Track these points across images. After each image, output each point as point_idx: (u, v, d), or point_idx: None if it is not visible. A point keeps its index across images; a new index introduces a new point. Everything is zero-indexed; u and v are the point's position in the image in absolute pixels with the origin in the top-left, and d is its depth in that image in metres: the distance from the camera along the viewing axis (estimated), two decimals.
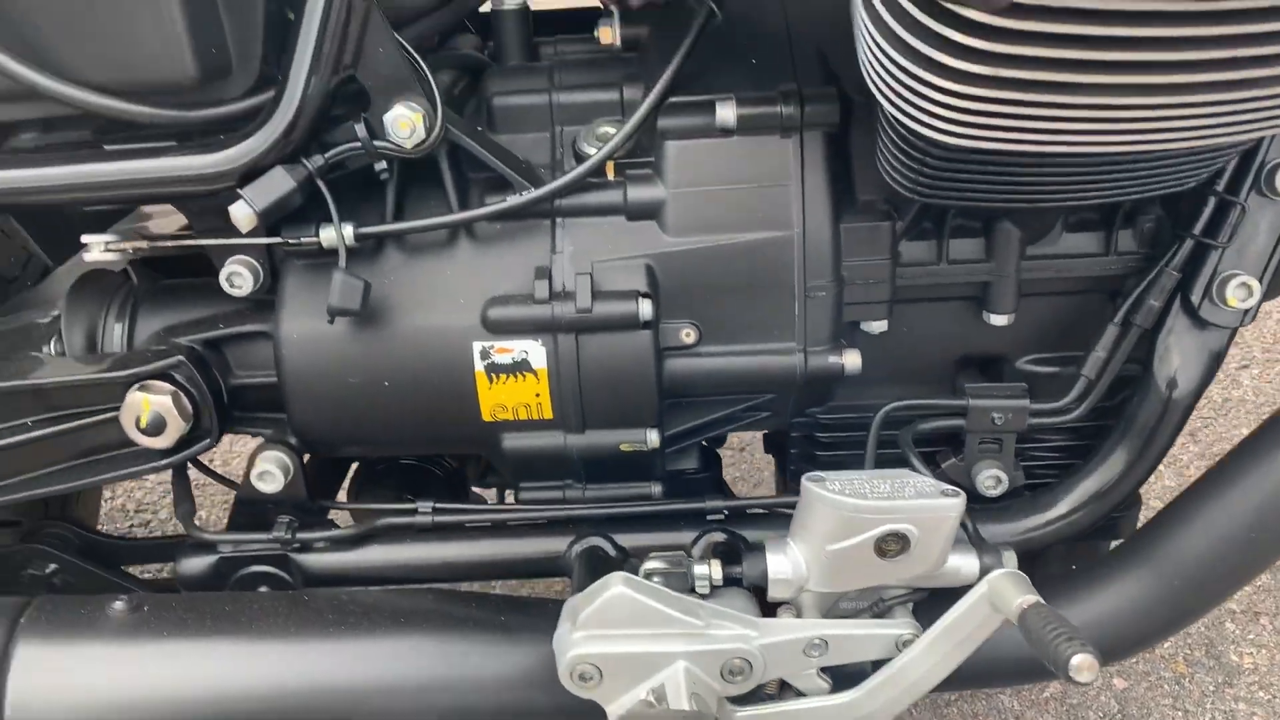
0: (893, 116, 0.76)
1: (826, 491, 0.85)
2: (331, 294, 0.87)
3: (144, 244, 0.93)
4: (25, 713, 0.88)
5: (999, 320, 0.97)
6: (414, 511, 1.01)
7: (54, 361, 0.94)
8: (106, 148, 0.90)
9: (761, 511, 1.04)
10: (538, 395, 0.93)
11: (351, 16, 0.84)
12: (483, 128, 0.97)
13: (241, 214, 0.86)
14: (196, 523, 1.01)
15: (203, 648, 0.92)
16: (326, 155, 0.89)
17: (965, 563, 0.89)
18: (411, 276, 0.93)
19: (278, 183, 0.86)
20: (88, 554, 1.06)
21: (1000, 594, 0.83)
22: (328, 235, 0.90)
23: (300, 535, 0.99)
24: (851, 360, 0.95)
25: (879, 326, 0.98)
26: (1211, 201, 0.90)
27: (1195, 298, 0.92)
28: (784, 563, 0.88)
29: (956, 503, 0.84)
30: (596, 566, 0.94)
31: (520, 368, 0.92)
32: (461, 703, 0.91)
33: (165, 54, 0.83)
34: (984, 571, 0.88)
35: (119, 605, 0.92)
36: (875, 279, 0.94)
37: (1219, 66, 0.61)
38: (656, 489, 1.02)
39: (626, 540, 1.00)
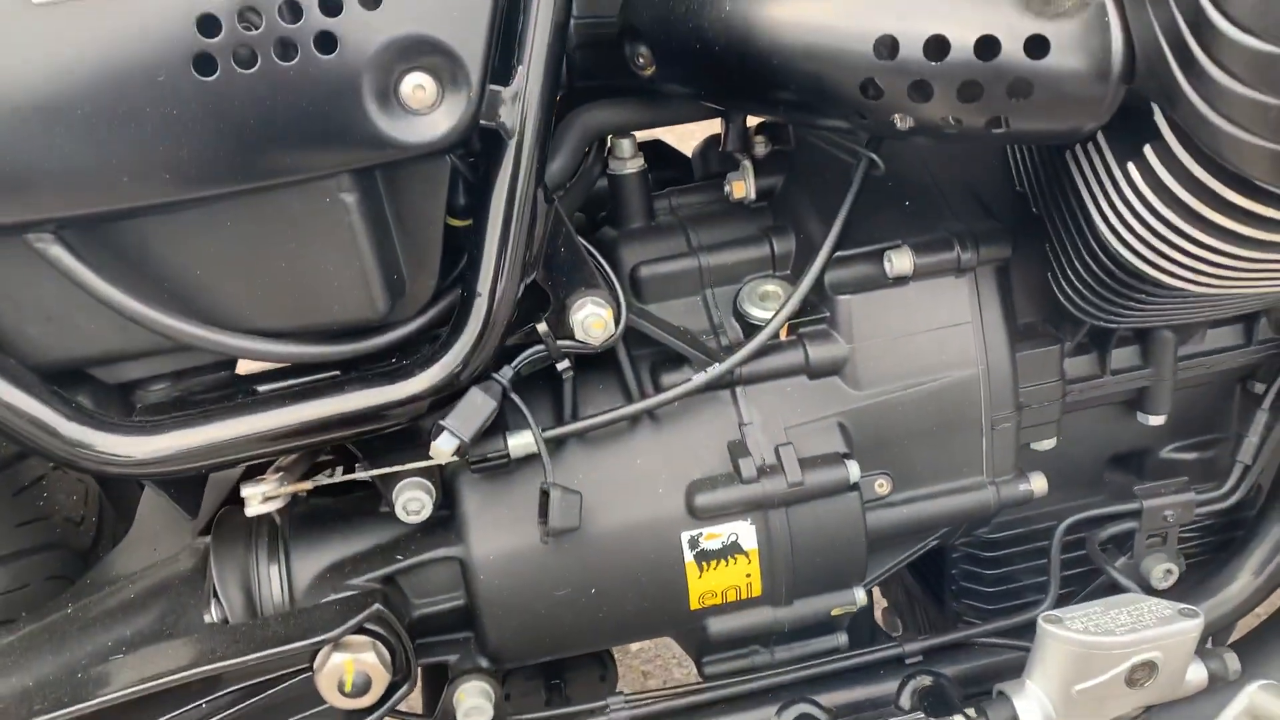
0: (1121, 259, 0.77)
1: (1074, 633, 0.85)
2: (551, 515, 0.81)
3: (308, 485, 0.85)
4: None
5: (1156, 421, 1.00)
6: (605, 709, 0.95)
7: (222, 632, 0.83)
8: (260, 389, 0.82)
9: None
10: (748, 575, 0.89)
11: (536, 217, 0.79)
12: (630, 299, 0.93)
13: (446, 447, 0.79)
14: None
15: None
16: (515, 364, 0.83)
17: (1194, 671, 0.90)
18: (601, 472, 0.88)
19: (479, 407, 0.80)
20: None
21: (1262, 707, 0.84)
22: (518, 444, 0.84)
23: None
24: (1039, 484, 0.95)
25: (1049, 444, 0.98)
26: None
27: None
28: (1033, 708, 0.87)
29: (1198, 622, 0.85)
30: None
31: (731, 550, 0.88)
32: None
33: (355, 296, 0.76)
34: (1213, 677, 0.90)
35: None
36: (1049, 400, 0.95)
37: None
38: (843, 639, 0.99)
39: (826, 699, 0.97)
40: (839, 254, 0.90)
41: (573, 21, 0.90)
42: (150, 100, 0.66)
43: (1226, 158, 0.61)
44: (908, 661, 0.99)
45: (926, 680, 0.97)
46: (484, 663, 0.91)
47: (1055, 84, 0.65)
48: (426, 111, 0.70)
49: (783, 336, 0.92)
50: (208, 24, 0.65)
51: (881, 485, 0.93)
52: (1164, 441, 1.05)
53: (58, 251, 0.71)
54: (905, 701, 0.96)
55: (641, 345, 0.91)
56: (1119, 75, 0.64)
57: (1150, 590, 1.02)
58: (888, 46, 0.67)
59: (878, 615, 1.33)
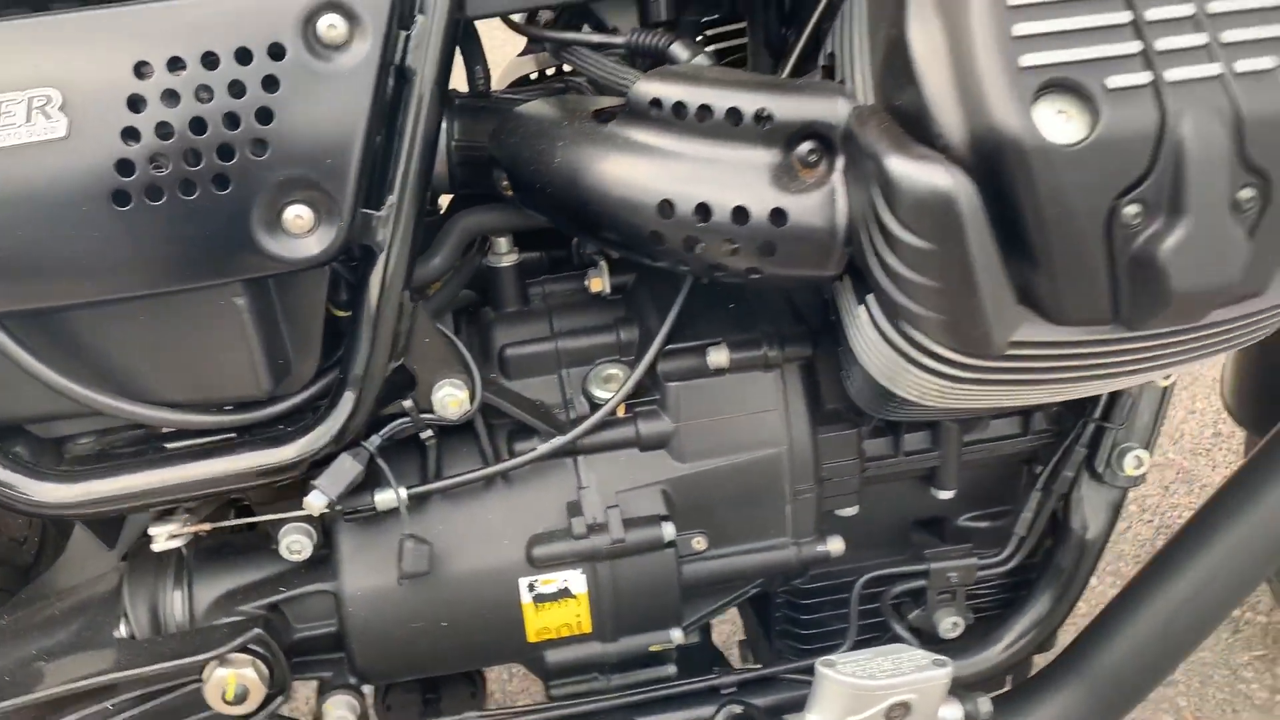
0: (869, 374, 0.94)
1: (842, 676, 1.02)
2: (404, 561, 0.98)
3: (207, 527, 1.01)
4: None
5: (944, 495, 1.17)
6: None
7: (128, 646, 1.00)
8: (168, 446, 0.98)
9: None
10: (578, 615, 1.06)
11: (401, 314, 0.96)
12: (496, 374, 1.10)
13: (317, 502, 0.96)
14: None
15: None
16: (382, 434, 1.00)
17: (951, 711, 1.07)
18: (457, 525, 1.05)
19: (346, 470, 0.97)
20: None
21: None
22: (383, 499, 1.01)
23: None
24: (835, 545, 1.12)
25: (851, 511, 1.15)
26: (1105, 393, 1.12)
27: (1099, 467, 1.14)
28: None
29: (948, 670, 1.02)
30: None
31: (563, 594, 1.05)
32: None
33: (243, 376, 0.93)
34: (968, 717, 1.08)
35: None
36: (848, 475, 1.12)
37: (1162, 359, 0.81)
38: (671, 670, 1.16)
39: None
40: (670, 347, 1.07)
41: (454, 142, 1.08)
42: (76, 224, 0.82)
43: (902, 319, 0.78)
44: (723, 692, 1.15)
45: (738, 709, 1.14)
46: (353, 680, 1.08)
47: (793, 246, 0.82)
48: (304, 235, 0.87)
49: (620, 414, 1.09)
50: (124, 167, 0.82)
51: (699, 542, 1.10)
52: (959, 511, 1.22)
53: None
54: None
55: (502, 415, 1.08)
56: (842, 242, 0.81)
57: (939, 640, 1.19)
58: (667, 207, 0.84)
59: (735, 648, 1.51)
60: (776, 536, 1.11)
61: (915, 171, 0.71)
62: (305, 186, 0.86)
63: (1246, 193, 0.73)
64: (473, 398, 1.00)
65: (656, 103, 0.86)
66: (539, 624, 1.06)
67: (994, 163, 0.72)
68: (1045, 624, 1.18)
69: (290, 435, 0.97)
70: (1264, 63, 0.72)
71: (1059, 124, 0.71)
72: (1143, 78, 0.71)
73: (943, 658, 1.04)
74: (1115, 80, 0.71)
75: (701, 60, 0.92)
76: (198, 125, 0.82)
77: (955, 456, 1.15)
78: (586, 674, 1.14)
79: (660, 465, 1.08)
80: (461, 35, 1.11)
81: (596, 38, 0.99)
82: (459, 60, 1.05)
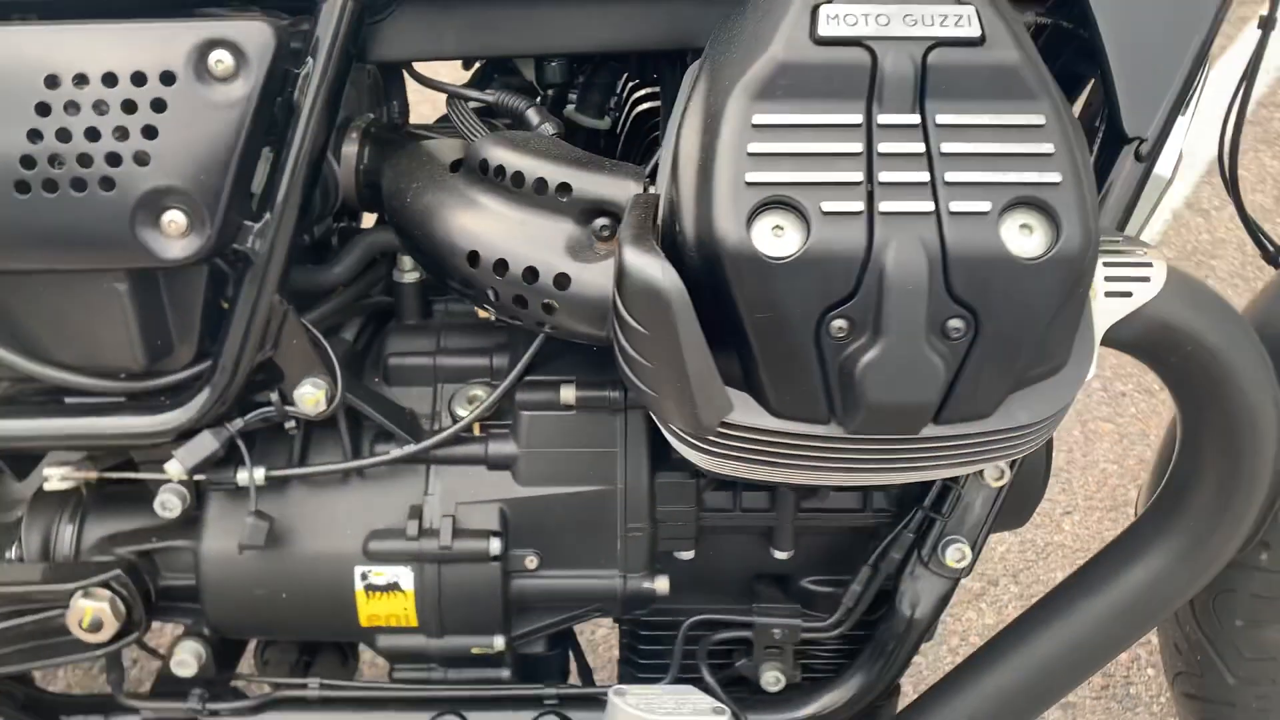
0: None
1: (626, 706, 1.10)
2: (242, 533, 1.11)
3: (94, 475, 1.16)
4: None
5: (780, 555, 1.23)
6: (304, 686, 1.24)
7: (12, 567, 1.15)
8: (68, 400, 1.13)
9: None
10: (405, 609, 1.16)
11: (272, 315, 1.08)
12: (379, 379, 1.21)
13: (173, 469, 1.09)
14: (125, 688, 1.23)
15: None
16: (245, 418, 1.12)
17: None
18: (310, 509, 1.16)
19: (205, 445, 1.10)
20: (28, 708, 1.27)
21: None
22: (243, 477, 1.14)
23: (209, 705, 1.21)
24: (661, 585, 1.20)
25: (687, 555, 1.22)
26: (938, 483, 1.17)
27: (925, 555, 1.18)
28: None
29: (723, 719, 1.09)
30: None
31: (392, 588, 1.16)
32: None
33: (122, 349, 1.06)
34: None
35: None
36: (683, 522, 1.19)
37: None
38: (505, 674, 1.25)
39: (474, 716, 1.23)
40: (530, 379, 1.17)
41: (362, 166, 1.19)
42: None
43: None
44: (545, 702, 1.24)
45: (553, 718, 1.23)
46: (206, 631, 1.21)
47: (572, 309, 0.91)
48: (178, 238, 1.00)
49: (476, 432, 1.18)
50: (27, 161, 0.96)
51: (530, 561, 1.18)
52: (804, 573, 1.27)
53: None
54: None
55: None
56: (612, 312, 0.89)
57: (760, 691, 1.25)
58: (474, 258, 0.94)
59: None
60: (606, 567, 1.19)
61: (638, 263, 0.79)
62: (180, 196, 0.98)
63: (956, 323, 0.78)
64: (330, 399, 1.12)
65: (484, 163, 0.96)
66: (369, 610, 1.17)
67: (714, 266, 0.79)
68: (857, 698, 1.23)
69: (165, 408, 1.10)
70: (979, 205, 0.77)
71: (772, 239, 0.78)
72: (857, 205, 0.77)
73: (723, 706, 1.10)
74: (830, 205, 0.77)
75: (547, 129, 1.01)
76: (92, 134, 0.96)
77: (790, 519, 1.20)
78: (418, 664, 1.24)
79: (503, 485, 1.17)
80: (385, 73, 1.23)
81: (466, 92, 1.09)
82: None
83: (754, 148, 0.78)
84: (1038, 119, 0.79)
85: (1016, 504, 1.27)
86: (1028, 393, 0.86)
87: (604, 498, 1.17)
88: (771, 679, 1.24)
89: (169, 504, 1.15)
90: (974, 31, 0.79)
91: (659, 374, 0.81)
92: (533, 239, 0.92)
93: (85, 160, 0.96)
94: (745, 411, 0.84)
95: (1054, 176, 0.78)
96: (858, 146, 0.78)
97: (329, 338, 1.16)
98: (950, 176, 0.78)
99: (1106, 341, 0.97)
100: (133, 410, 1.11)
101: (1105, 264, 0.93)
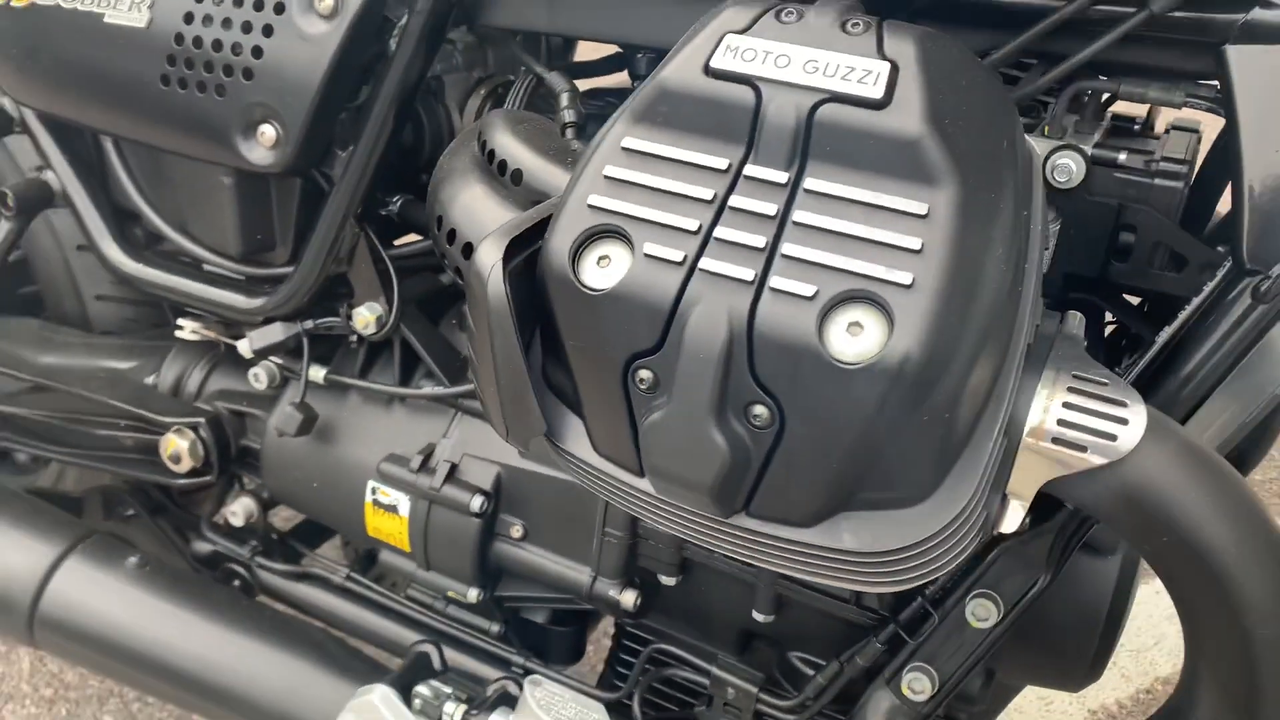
0: None
1: (530, 699, 1.10)
2: (276, 417, 1.24)
3: (212, 336, 1.35)
4: (52, 609, 1.35)
5: (759, 616, 1.14)
6: (334, 572, 1.37)
7: (142, 390, 1.38)
8: (206, 268, 1.32)
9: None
10: (400, 532, 1.24)
11: (349, 236, 1.19)
12: (456, 321, 1.29)
13: (243, 347, 1.25)
14: (214, 521, 1.44)
15: (166, 606, 1.33)
16: (316, 321, 1.25)
17: None
18: (351, 419, 1.28)
19: (273, 333, 1.24)
20: (156, 511, 1.52)
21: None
22: (312, 373, 1.27)
23: (256, 559, 1.38)
24: (627, 598, 1.17)
25: (669, 580, 1.18)
26: (918, 600, 1.02)
27: (888, 674, 1.04)
28: None
29: None
30: (415, 667, 1.25)
31: (392, 510, 1.24)
32: (281, 703, 1.26)
33: (228, 235, 1.23)
34: None
35: (133, 560, 1.37)
36: (662, 545, 1.15)
37: None
38: (496, 629, 1.30)
39: (451, 653, 1.29)
40: None
41: None
42: (133, 87, 1.16)
43: None
44: (511, 668, 1.27)
45: (512, 687, 1.25)
46: (265, 494, 1.37)
47: None
48: (268, 148, 1.13)
49: None
50: (170, 59, 1.14)
51: (516, 530, 1.21)
52: (790, 644, 1.18)
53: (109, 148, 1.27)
54: (490, 693, 1.26)
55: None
56: None
57: None
58: (439, 223, 0.97)
59: None
60: (580, 562, 1.19)
61: (478, 262, 0.77)
62: (273, 113, 1.11)
63: (759, 410, 0.70)
64: (381, 323, 1.21)
65: (480, 137, 0.98)
66: (374, 523, 1.26)
67: (544, 283, 0.76)
68: None
69: (261, 294, 1.26)
70: (804, 288, 0.67)
71: (596, 268, 0.73)
72: (679, 255, 0.70)
73: None
74: (654, 248, 0.71)
75: (564, 116, 1.01)
76: (217, 45, 1.11)
77: (769, 583, 1.12)
78: (437, 594, 1.32)
79: (510, 452, 1.20)
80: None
81: (534, 66, 1.11)
82: None
83: (611, 171, 0.74)
84: (919, 207, 0.67)
85: (1057, 663, 1.08)
86: (864, 517, 0.73)
87: (587, 495, 1.16)
88: None
89: (259, 377, 1.33)
90: (876, 92, 0.68)
91: (482, 377, 0.80)
92: (480, 217, 0.93)
93: (209, 67, 1.12)
94: (575, 440, 0.80)
95: (904, 277, 0.66)
96: (709, 193, 0.71)
97: (424, 273, 1.26)
98: (789, 249, 0.68)
99: (1073, 501, 0.79)
100: (237, 289, 1.28)
101: (1067, 405, 0.76)
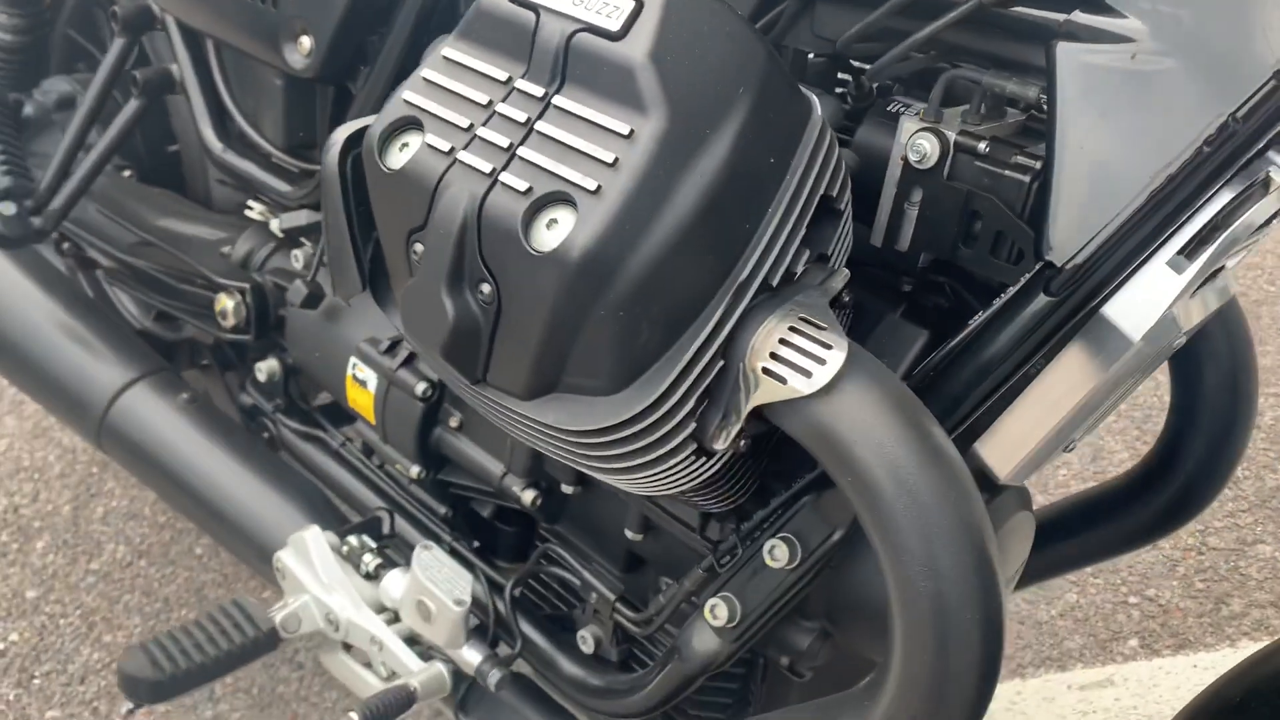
0: None
1: (415, 558, 1.25)
2: (291, 288, 1.46)
3: (267, 215, 1.59)
4: (119, 420, 1.63)
5: (630, 534, 1.24)
6: (333, 438, 1.57)
7: (217, 258, 1.64)
8: (273, 160, 1.56)
9: None
10: (369, 407, 1.43)
11: None
12: None
13: (274, 225, 1.47)
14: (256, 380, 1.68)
15: (197, 436, 1.59)
16: None
17: (473, 657, 1.23)
18: (356, 301, 1.46)
19: (299, 217, 1.46)
20: (226, 367, 1.78)
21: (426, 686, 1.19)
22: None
23: (278, 414, 1.61)
24: (528, 496, 1.30)
25: (568, 488, 1.29)
26: (733, 539, 1.09)
27: (700, 600, 1.11)
28: (398, 581, 1.30)
29: (459, 612, 1.19)
30: (366, 526, 1.44)
31: (364, 384, 1.42)
32: (260, 531, 1.48)
33: (280, 131, 1.45)
34: (479, 671, 1.23)
35: (185, 396, 1.63)
36: None
37: None
38: (444, 510, 1.45)
39: (401, 525, 1.46)
40: None
41: None
42: None
43: None
44: (441, 542, 1.42)
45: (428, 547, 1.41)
46: (289, 360, 1.59)
47: None
48: (305, 56, 1.34)
49: None
50: None
51: (454, 420, 1.36)
52: (659, 569, 1.26)
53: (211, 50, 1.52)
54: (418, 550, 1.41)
55: None
56: None
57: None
58: None
59: None
60: (497, 457, 1.33)
61: (330, 140, 0.93)
62: (310, 25, 1.32)
63: (485, 287, 0.82)
64: None
65: None
66: (352, 395, 1.45)
67: (365, 164, 0.90)
68: (612, 704, 1.21)
69: (303, 185, 1.48)
70: (521, 184, 0.79)
71: (396, 152, 0.87)
72: (447, 145, 0.83)
73: (464, 599, 1.20)
74: (433, 139, 0.84)
75: None
76: None
77: (638, 504, 1.21)
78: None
79: None
80: None
81: None
82: None
83: (428, 74, 0.88)
84: (624, 128, 0.76)
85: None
86: (569, 399, 0.84)
87: None
88: (581, 638, 1.28)
89: (298, 258, 1.55)
90: (615, 25, 0.78)
91: (325, 241, 0.96)
92: None
93: None
94: (393, 308, 0.95)
95: (593, 184, 0.76)
96: (486, 99, 0.83)
97: None
98: (524, 152, 0.80)
99: (784, 429, 0.85)
100: (288, 179, 1.50)
101: (783, 340, 0.82)
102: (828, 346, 0.80)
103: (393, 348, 1.39)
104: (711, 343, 0.82)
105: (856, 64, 1.11)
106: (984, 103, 0.99)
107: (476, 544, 1.42)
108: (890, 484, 0.78)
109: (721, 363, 0.83)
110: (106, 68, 1.60)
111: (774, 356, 0.82)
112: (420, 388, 1.34)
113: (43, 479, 2.42)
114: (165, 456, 1.59)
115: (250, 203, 1.61)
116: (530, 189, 0.78)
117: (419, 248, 0.86)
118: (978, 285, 1.08)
